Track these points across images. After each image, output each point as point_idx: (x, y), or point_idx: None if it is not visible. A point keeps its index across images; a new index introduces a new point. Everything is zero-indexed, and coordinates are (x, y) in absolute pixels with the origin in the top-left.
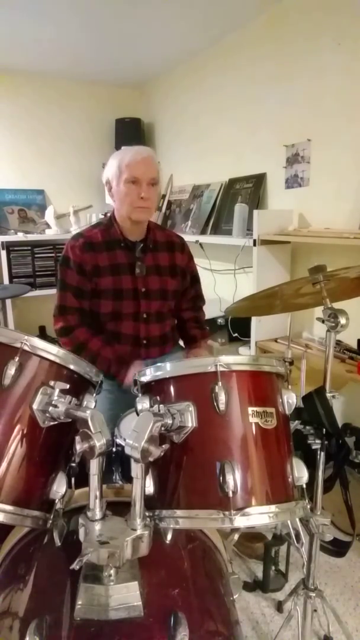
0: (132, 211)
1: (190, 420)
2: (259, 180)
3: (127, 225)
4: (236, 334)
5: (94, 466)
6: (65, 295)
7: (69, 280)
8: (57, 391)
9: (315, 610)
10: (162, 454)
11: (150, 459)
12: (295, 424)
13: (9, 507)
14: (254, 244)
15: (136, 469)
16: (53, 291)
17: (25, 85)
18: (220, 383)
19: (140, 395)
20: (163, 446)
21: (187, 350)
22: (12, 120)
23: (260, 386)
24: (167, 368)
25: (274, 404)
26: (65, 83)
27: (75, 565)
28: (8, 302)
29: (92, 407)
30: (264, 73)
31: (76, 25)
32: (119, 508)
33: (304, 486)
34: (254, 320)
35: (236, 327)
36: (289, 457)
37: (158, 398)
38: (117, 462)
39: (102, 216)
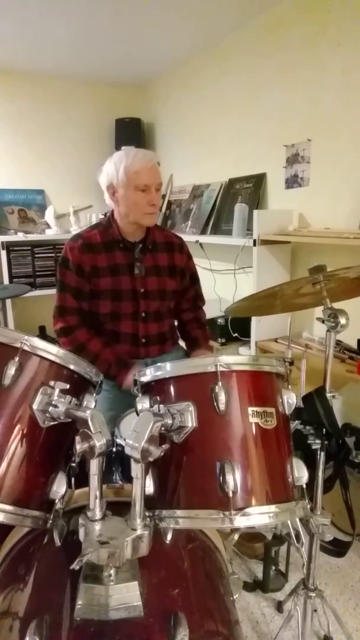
0: (142, 217)
1: (190, 420)
2: (259, 180)
3: (128, 227)
4: (236, 334)
5: (94, 466)
6: (65, 296)
7: (68, 281)
8: (57, 391)
9: (315, 610)
10: (162, 454)
11: (150, 459)
12: (295, 424)
13: (9, 507)
14: (254, 244)
15: (136, 469)
16: (53, 291)
17: (25, 86)
18: (220, 383)
19: (140, 395)
20: (163, 446)
21: (190, 351)
22: (13, 121)
23: (260, 386)
24: (167, 368)
25: (274, 404)
26: (65, 83)
27: (75, 565)
28: (8, 302)
29: (92, 407)
30: (264, 73)
31: (77, 25)
32: (119, 508)
33: (304, 486)
34: (254, 320)
35: (236, 327)
36: (289, 457)
37: (158, 398)
38: (117, 462)
39: (102, 216)
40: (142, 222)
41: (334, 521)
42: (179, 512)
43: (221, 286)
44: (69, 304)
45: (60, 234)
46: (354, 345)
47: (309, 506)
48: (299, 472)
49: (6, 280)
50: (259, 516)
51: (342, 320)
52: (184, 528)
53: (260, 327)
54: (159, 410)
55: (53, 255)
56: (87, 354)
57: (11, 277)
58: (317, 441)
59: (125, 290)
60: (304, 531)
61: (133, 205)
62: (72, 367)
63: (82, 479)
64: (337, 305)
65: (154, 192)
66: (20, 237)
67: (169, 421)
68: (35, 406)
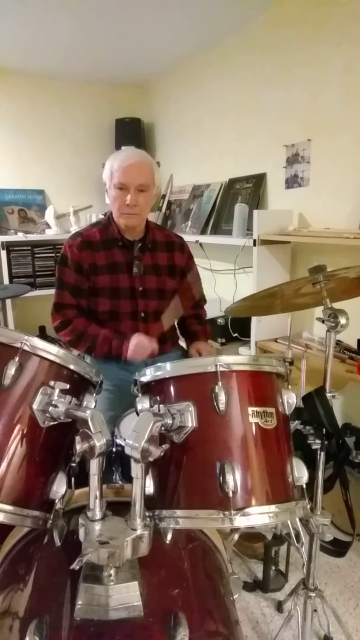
0: (120, 216)
1: (190, 420)
2: (259, 180)
3: (122, 226)
4: (236, 334)
5: (94, 466)
6: (63, 294)
7: (66, 278)
8: (57, 391)
9: (315, 610)
10: (162, 454)
11: (150, 459)
12: (295, 424)
13: (9, 507)
14: (254, 244)
15: (136, 469)
16: (53, 291)
17: (26, 86)
18: (220, 383)
19: (140, 395)
20: (163, 446)
21: (189, 345)
22: (13, 120)
23: (260, 386)
24: (167, 368)
25: (274, 404)
26: (65, 83)
27: (75, 565)
28: (8, 302)
29: (92, 407)
30: (264, 73)
31: (77, 25)
32: (119, 508)
33: (304, 486)
34: (254, 320)
35: (236, 327)
36: (289, 457)
37: (158, 398)
38: (117, 462)
39: (102, 216)
40: (121, 221)
41: (334, 521)
42: (179, 512)
43: (221, 286)
44: (67, 301)
45: (60, 234)
46: (354, 345)
47: (309, 506)
48: (299, 472)
49: (6, 280)
50: (259, 516)
51: (342, 320)
52: (184, 528)
53: (260, 327)
54: (159, 410)
55: (53, 255)
56: (87, 339)
57: (11, 277)
58: (317, 441)
59: (124, 289)
60: (304, 531)
61: (113, 203)
62: (72, 367)
63: (82, 479)
64: (337, 305)
65: (132, 192)
66: (20, 237)
67: (169, 421)
68: (35, 406)
